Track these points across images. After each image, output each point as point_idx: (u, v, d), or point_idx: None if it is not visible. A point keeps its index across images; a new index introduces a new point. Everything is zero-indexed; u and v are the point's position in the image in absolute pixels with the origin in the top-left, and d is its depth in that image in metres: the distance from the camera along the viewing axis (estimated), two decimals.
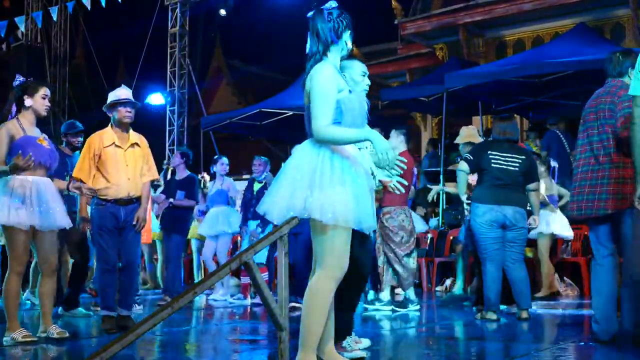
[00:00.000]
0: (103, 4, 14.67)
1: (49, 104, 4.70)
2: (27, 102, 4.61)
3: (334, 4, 3.31)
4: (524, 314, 5.63)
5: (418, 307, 6.53)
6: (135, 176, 5.31)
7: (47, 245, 4.66)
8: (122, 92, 5.38)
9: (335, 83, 3.17)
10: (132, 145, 5.35)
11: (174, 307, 2.73)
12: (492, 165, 5.66)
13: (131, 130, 5.43)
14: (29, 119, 4.64)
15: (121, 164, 5.24)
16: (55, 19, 18.07)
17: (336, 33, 3.26)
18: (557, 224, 7.79)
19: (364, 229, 3.20)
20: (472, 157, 5.76)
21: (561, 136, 10.39)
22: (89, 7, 14.81)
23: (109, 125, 5.40)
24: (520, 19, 12.91)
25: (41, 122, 4.84)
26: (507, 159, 5.68)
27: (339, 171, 3.10)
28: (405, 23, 13.95)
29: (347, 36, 3.30)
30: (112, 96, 5.36)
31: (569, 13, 12.34)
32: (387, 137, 6.30)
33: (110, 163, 5.22)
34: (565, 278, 8.32)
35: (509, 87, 10.70)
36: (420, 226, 8.63)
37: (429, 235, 9.36)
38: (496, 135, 5.87)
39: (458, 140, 7.05)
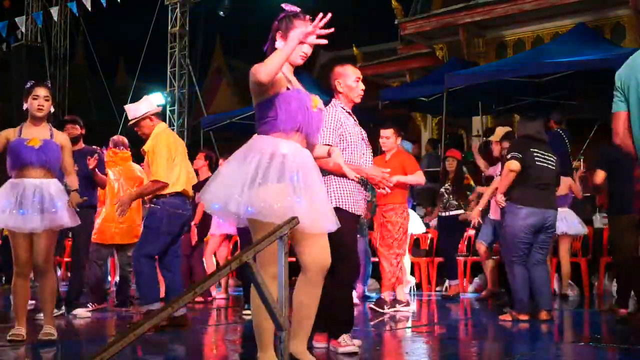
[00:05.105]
0: (104, 3, 14.68)
1: (42, 104, 4.59)
2: (24, 106, 4.68)
3: (286, 9, 3.36)
4: (544, 315, 5.47)
5: (408, 307, 6.49)
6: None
7: (38, 247, 4.50)
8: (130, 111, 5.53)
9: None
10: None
11: (174, 307, 2.73)
12: (537, 163, 5.49)
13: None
14: (30, 121, 4.69)
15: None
16: (55, 19, 18.08)
17: (274, 38, 3.34)
18: (573, 223, 7.84)
19: (312, 228, 3.15)
20: (520, 155, 5.50)
21: (564, 135, 10.38)
22: (89, 7, 14.82)
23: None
24: (520, 19, 12.88)
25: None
26: (546, 157, 5.56)
27: (281, 168, 3.11)
28: (405, 23, 13.93)
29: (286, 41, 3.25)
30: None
31: (569, 13, 12.31)
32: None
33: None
34: None
35: (509, 87, 10.68)
36: (419, 227, 8.61)
37: (429, 235, 9.35)
38: (533, 133, 5.64)
39: (492, 138, 7.26)
